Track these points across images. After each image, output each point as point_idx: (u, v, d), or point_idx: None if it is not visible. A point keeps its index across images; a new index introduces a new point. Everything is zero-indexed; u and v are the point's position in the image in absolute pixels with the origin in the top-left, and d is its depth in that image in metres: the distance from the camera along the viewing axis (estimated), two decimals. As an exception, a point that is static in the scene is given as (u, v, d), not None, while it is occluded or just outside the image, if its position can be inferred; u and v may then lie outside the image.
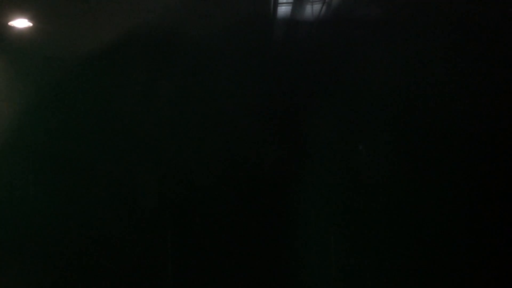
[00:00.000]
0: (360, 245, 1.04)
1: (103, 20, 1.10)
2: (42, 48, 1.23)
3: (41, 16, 1.11)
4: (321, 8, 0.92)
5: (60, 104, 1.23)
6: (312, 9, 0.93)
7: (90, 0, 1.01)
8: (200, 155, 1.17)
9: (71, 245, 1.19)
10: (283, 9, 0.97)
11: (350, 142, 1.08)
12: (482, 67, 0.92)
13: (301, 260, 1.06)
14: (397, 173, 1.04)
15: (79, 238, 1.18)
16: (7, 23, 1.10)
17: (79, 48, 1.20)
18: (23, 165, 1.22)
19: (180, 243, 1.17)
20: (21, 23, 1.10)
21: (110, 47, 1.16)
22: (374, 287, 1.00)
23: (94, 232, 1.17)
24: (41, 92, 1.24)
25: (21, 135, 1.24)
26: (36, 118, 1.23)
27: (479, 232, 0.96)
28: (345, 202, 1.06)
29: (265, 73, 1.10)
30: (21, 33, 1.14)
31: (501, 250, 0.96)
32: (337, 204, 1.06)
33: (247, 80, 1.10)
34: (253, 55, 1.09)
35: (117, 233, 1.17)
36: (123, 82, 1.21)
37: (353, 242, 1.05)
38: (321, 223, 1.07)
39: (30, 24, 1.11)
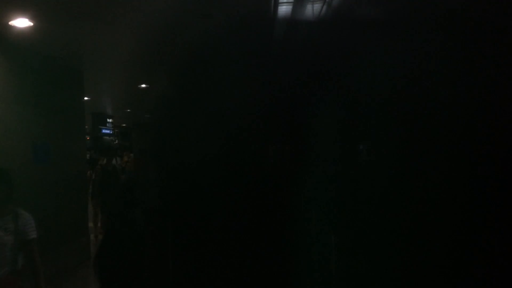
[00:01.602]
0: (361, 245, 1.04)
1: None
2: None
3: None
4: (322, 7, 0.91)
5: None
6: (312, 8, 0.92)
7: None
8: (201, 154, 1.16)
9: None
10: (284, 8, 0.97)
11: (351, 142, 1.08)
12: (484, 67, 0.92)
13: (302, 259, 1.06)
14: (400, 174, 1.03)
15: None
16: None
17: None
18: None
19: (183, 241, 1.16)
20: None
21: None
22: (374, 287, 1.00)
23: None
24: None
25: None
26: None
27: (480, 232, 0.95)
28: (346, 202, 1.05)
29: (266, 72, 1.09)
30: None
31: (501, 250, 0.96)
32: (338, 204, 1.05)
33: (248, 78, 1.09)
34: (253, 53, 1.07)
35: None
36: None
37: (354, 242, 1.04)
38: (322, 222, 1.07)
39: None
